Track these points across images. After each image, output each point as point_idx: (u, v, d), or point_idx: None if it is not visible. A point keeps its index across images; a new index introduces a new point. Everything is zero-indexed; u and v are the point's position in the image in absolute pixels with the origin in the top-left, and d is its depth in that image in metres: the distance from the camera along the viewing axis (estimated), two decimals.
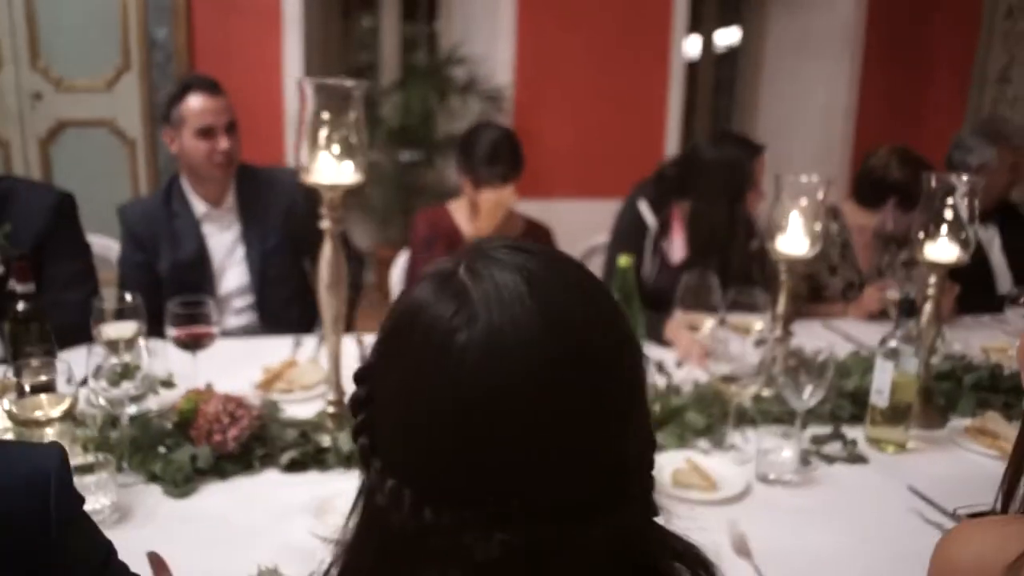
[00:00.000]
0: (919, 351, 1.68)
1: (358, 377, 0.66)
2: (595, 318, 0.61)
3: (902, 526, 1.42)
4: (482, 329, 0.57)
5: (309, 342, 2.15)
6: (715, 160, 2.27)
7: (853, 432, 1.70)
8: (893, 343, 1.65)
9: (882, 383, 1.65)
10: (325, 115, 1.47)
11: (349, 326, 2.56)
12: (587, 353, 0.60)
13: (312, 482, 1.49)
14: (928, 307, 1.79)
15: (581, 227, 3.10)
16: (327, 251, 1.54)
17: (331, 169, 1.48)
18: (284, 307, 2.40)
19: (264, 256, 2.36)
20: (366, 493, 0.64)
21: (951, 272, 2.38)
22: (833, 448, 1.66)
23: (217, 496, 1.44)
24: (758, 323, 1.95)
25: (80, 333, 1.71)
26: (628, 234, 2.42)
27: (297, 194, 2.33)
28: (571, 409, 0.59)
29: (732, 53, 5.49)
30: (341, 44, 5.32)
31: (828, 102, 4.95)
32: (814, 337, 2.19)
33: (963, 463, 1.66)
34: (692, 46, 5.31)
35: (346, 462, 1.51)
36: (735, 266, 2.22)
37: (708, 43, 5.42)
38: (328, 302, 1.56)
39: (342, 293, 1.57)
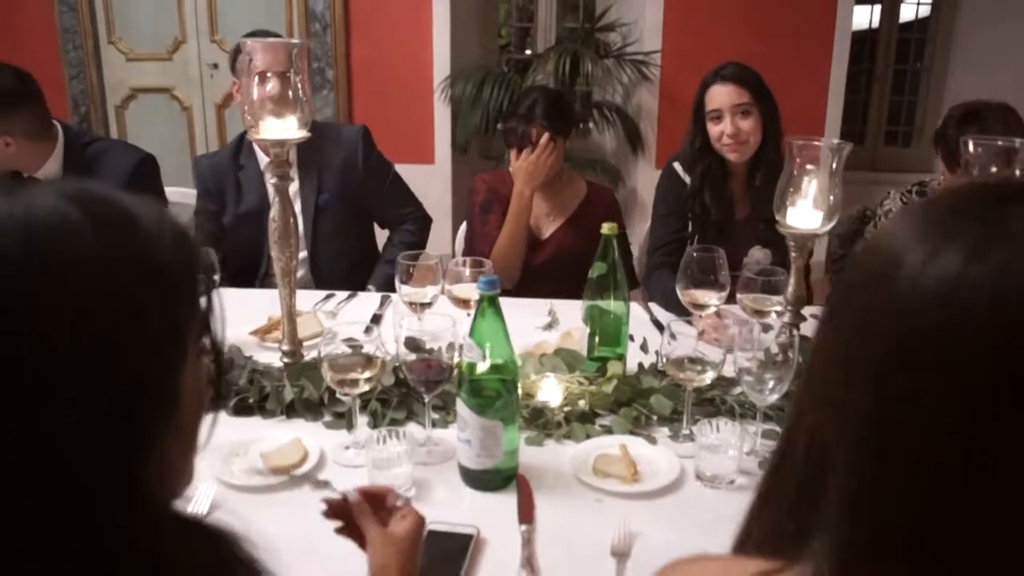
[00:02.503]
0: None
1: None
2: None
3: None
4: None
5: (339, 296, 2.20)
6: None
7: None
8: None
9: None
10: (270, 72, 1.49)
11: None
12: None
13: (251, 426, 1.52)
14: None
15: None
16: (276, 207, 1.57)
17: (276, 126, 1.50)
18: (335, 263, 2.45)
19: (317, 209, 2.40)
20: None
21: None
22: None
23: None
24: (776, 305, 1.74)
25: None
26: (667, 194, 2.30)
27: (357, 151, 2.41)
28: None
29: (921, 20, 4.89)
30: (495, 10, 5.35)
31: None
32: None
33: None
34: (866, 15, 4.80)
35: (287, 411, 1.54)
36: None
37: (895, 10, 4.88)
38: (277, 256, 1.59)
39: (292, 247, 1.59)
